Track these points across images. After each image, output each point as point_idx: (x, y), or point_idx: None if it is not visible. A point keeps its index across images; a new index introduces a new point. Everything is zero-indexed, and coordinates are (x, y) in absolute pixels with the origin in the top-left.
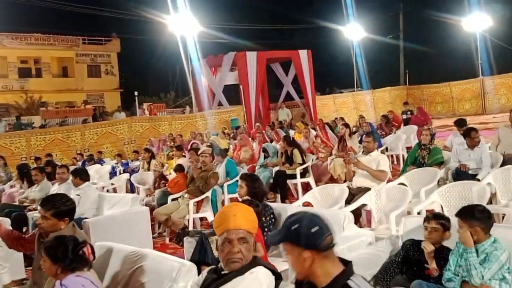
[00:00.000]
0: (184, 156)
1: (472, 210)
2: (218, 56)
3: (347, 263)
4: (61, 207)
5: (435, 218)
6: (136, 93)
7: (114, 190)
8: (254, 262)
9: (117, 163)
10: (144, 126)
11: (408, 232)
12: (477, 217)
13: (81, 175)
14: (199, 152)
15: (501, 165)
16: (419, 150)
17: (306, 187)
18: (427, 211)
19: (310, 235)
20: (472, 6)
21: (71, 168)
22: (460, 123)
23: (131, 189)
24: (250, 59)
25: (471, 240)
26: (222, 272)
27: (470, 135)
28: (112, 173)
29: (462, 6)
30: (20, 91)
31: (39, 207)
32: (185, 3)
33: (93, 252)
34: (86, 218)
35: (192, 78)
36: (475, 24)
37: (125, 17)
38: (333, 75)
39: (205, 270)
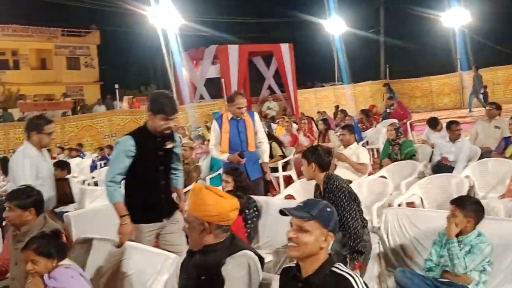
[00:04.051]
0: None
1: (470, 201)
2: (199, 49)
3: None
4: (24, 197)
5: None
6: (117, 85)
7: (95, 184)
8: (235, 245)
9: (97, 156)
10: (125, 119)
11: (389, 223)
12: (474, 208)
13: (63, 168)
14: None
15: (479, 158)
16: (390, 147)
17: (288, 181)
18: (407, 203)
19: (336, 220)
20: (451, 1)
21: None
22: (433, 124)
23: None
24: (232, 53)
25: (455, 231)
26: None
27: (450, 127)
28: (93, 167)
29: (441, 1)
30: None
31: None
32: None
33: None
34: (67, 211)
35: (173, 71)
36: (454, 19)
37: (105, 9)
38: (314, 69)
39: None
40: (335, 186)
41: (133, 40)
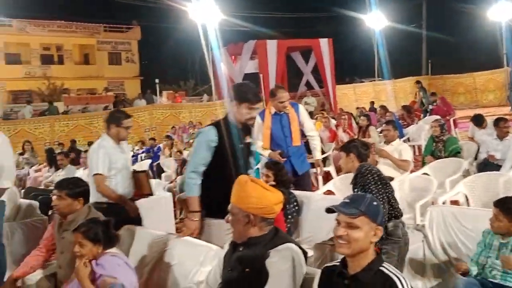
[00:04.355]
0: None
1: None
2: (238, 44)
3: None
4: (74, 187)
5: None
6: (157, 80)
7: None
8: (279, 238)
9: (138, 149)
10: (165, 114)
11: (434, 221)
12: None
13: None
14: None
15: None
16: (434, 143)
17: (327, 177)
18: (451, 201)
19: (383, 213)
20: None
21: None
22: (478, 121)
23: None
24: (271, 48)
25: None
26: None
27: (498, 125)
28: (134, 159)
29: None
30: (42, 78)
31: (54, 190)
32: None
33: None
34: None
35: (212, 66)
36: (500, 13)
37: (146, 5)
38: (353, 64)
39: (227, 242)
40: (364, 169)
41: (172, 35)
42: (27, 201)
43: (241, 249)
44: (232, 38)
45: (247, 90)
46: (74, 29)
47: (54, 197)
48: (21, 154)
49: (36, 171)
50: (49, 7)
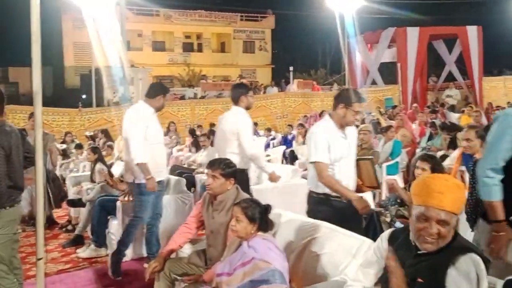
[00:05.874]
0: None
1: None
2: (376, 32)
3: None
4: (226, 167)
5: None
6: (291, 68)
7: (268, 161)
8: (458, 245)
9: (266, 136)
10: (297, 102)
11: None
12: None
13: None
14: (358, 129)
15: None
16: None
17: None
18: None
19: None
20: None
21: None
22: None
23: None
24: (411, 36)
25: None
26: (419, 252)
27: None
28: (266, 145)
29: None
30: (183, 64)
31: (206, 169)
32: None
33: None
34: None
35: (347, 55)
36: None
37: None
38: (503, 55)
39: (384, 239)
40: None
41: (305, 23)
42: (176, 177)
43: (422, 257)
44: (370, 25)
45: None
46: (213, 18)
47: (207, 177)
48: (165, 134)
49: (179, 150)
50: None
